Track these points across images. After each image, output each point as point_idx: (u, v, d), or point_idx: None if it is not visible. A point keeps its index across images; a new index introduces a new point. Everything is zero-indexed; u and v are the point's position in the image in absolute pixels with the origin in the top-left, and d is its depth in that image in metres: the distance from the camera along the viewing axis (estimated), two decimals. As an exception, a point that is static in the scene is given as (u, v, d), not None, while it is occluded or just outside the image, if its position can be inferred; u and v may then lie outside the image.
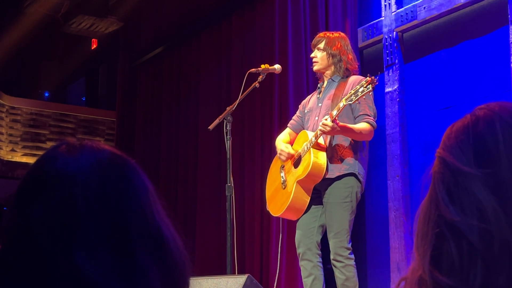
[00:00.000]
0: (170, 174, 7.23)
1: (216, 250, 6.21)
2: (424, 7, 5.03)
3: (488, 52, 4.68)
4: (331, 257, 4.09)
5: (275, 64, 4.45)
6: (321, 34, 4.41)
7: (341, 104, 3.91)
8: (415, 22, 5.11)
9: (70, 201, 0.93)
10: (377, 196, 5.33)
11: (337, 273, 4.08)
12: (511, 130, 0.97)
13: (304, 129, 4.38)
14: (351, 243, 4.11)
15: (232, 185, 4.32)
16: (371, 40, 5.49)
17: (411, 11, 5.13)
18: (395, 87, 5.20)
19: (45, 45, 10.48)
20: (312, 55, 4.36)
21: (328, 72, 4.33)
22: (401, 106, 5.18)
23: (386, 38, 5.29)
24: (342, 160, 4.09)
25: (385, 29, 5.32)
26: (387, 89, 5.26)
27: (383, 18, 5.34)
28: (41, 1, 8.58)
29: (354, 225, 5.64)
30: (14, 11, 8.96)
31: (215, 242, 6.23)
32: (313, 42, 4.39)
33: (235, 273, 4.51)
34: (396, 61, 5.22)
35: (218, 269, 5.72)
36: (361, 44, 5.57)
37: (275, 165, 4.48)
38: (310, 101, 4.43)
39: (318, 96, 4.37)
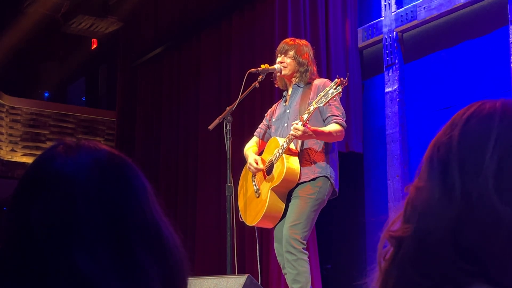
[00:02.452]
0: (170, 174, 7.23)
1: (216, 250, 6.21)
2: (424, 7, 5.03)
3: (488, 52, 4.68)
4: (284, 250, 4.01)
5: (275, 64, 4.44)
6: (289, 41, 4.37)
7: (311, 108, 3.91)
8: (415, 22, 5.11)
9: (70, 201, 0.93)
10: (377, 196, 5.33)
11: (288, 268, 3.98)
12: None
13: (271, 137, 4.39)
14: (306, 242, 4.02)
15: (232, 185, 4.32)
16: (371, 40, 5.49)
17: (411, 11, 5.13)
18: (395, 87, 5.20)
19: (45, 45, 10.48)
20: (279, 59, 4.32)
21: (293, 79, 4.32)
22: (401, 106, 5.19)
23: (386, 38, 5.29)
24: (314, 163, 4.09)
25: (385, 29, 5.32)
26: (387, 89, 5.26)
27: (383, 18, 5.35)
28: (41, 1, 8.58)
29: (354, 225, 5.65)
30: (14, 11, 8.96)
31: (215, 242, 6.23)
32: (279, 48, 4.34)
33: (235, 273, 4.51)
34: (396, 61, 5.23)
35: (218, 269, 5.72)
36: (361, 44, 5.57)
37: (246, 174, 4.47)
38: (277, 110, 4.42)
39: (284, 104, 4.36)
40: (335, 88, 3.81)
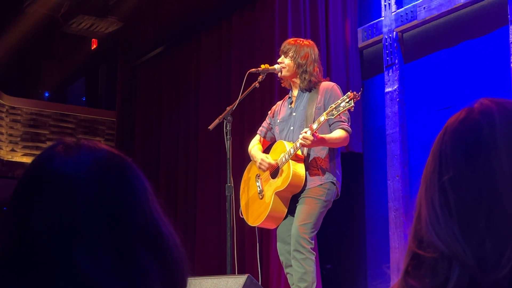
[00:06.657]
0: (170, 174, 7.23)
1: (216, 250, 6.21)
2: (424, 7, 5.03)
3: (488, 52, 4.68)
4: (292, 248, 4.04)
5: (275, 64, 4.44)
6: (291, 41, 4.35)
7: (321, 119, 3.94)
8: (415, 22, 5.11)
9: (70, 200, 0.93)
10: (377, 196, 5.33)
11: (295, 267, 4.01)
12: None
13: (274, 136, 4.42)
14: (313, 242, 4.07)
15: (232, 185, 4.33)
16: (371, 40, 5.49)
17: (411, 11, 5.13)
18: (395, 87, 5.20)
19: (45, 45, 10.47)
20: (279, 60, 4.32)
21: (295, 80, 4.31)
22: (401, 106, 5.18)
23: (386, 38, 5.29)
24: (321, 170, 4.13)
25: (385, 29, 5.32)
26: (387, 89, 5.26)
27: (383, 18, 5.34)
28: (41, 1, 8.58)
29: (355, 225, 5.65)
30: (14, 11, 8.96)
31: (215, 242, 6.23)
32: (282, 48, 4.34)
33: (235, 273, 4.51)
34: (396, 61, 5.22)
35: (218, 269, 5.72)
36: (361, 44, 5.57)
37: (249, 173, 4.49)
38: (282, 111, 4.40)
39: (290, 106, 4.34)
40: (347, 102, 3.83)
